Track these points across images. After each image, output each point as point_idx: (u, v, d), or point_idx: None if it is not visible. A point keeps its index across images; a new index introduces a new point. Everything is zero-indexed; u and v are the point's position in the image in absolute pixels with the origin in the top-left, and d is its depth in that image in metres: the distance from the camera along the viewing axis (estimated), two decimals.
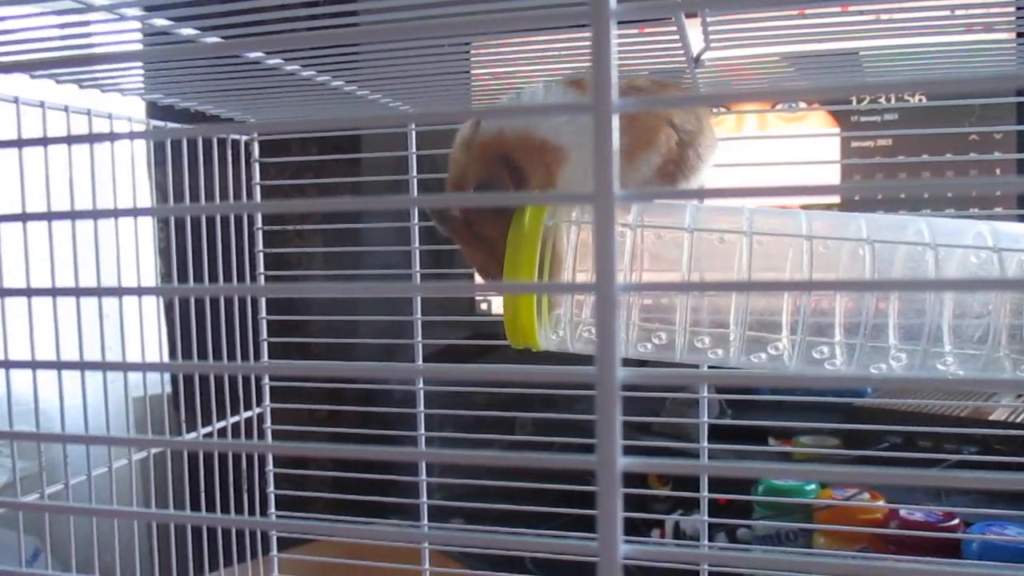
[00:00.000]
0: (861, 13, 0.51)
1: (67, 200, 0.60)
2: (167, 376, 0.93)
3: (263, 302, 0.82)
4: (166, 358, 0.86)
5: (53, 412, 0.62)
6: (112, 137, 0.24)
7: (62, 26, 0.49)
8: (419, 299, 0.77)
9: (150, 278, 0.75)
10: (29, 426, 0.67)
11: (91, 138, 0.41)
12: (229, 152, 0.79)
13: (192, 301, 0.73)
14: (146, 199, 0.84)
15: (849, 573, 0.80)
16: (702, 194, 0.57)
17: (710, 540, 0.80)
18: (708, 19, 0.47)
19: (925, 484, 0.81)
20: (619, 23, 0.20)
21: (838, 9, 0.49)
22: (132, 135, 0.27)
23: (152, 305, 0.71)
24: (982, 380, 0.39)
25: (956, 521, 0.87)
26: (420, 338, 0.76)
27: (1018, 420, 1.05)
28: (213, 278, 0.73)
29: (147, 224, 0.73)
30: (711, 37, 0.51)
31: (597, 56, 0.20)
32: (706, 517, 0.70)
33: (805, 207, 1.28)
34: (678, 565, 0.69)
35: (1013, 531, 0.83)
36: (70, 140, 0.29)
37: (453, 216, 0.57)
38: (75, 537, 0.63)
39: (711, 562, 0.70)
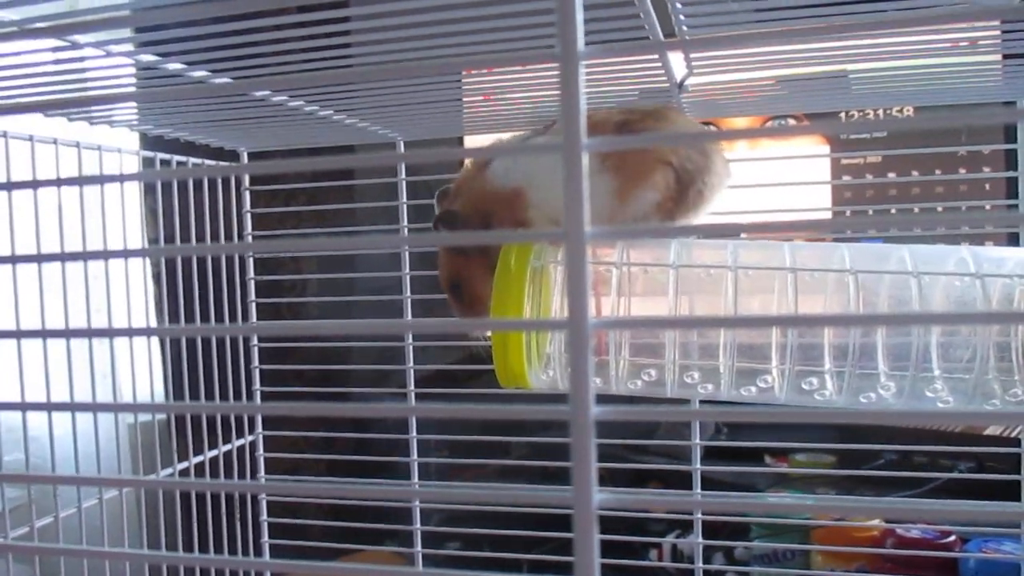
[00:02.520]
0: (846, 38, 0.51)
1: (56, 220, 0.60)
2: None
3: (255, 352, 0.81)
4: (159, 385, 0.86)
5: (44, 439, 0.62)
6: (102, 180, 0.24)
7: (54, 62, 0.50)
8: (411, 343, 0.77)
9: (142, 301, 0.75)
10: (19, 454, 0.66)
11: (81, 180, 0.41)
12: (219, 179, 0.79)
13: (185, 348, 0.73)
14: (137, 221, 0.84)
15: None
16: (677, 231, 0.58)
17: (707, 561, 0.79)
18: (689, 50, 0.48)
19: (919, 513, 0.82)
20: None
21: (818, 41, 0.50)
22: (123, 177, 0.27)
23: (144, 347, 0.71)
24: (972, 414, 0.39)
25: (953, 538, 0.87)
26: (412, 363, 0.76)
27: (1012, 435, 1.05)
28: (207, 301, 0.73)
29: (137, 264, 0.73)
30: (693, 64, 0.51)
31: (566, 96, 0.20)
32: (700, 539, 0.69)
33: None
34: None
35: (1009, 547, 0.83)
36: (60, 183, 0.29)
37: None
38: (65, 567, 0.63)
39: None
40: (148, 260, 0.77)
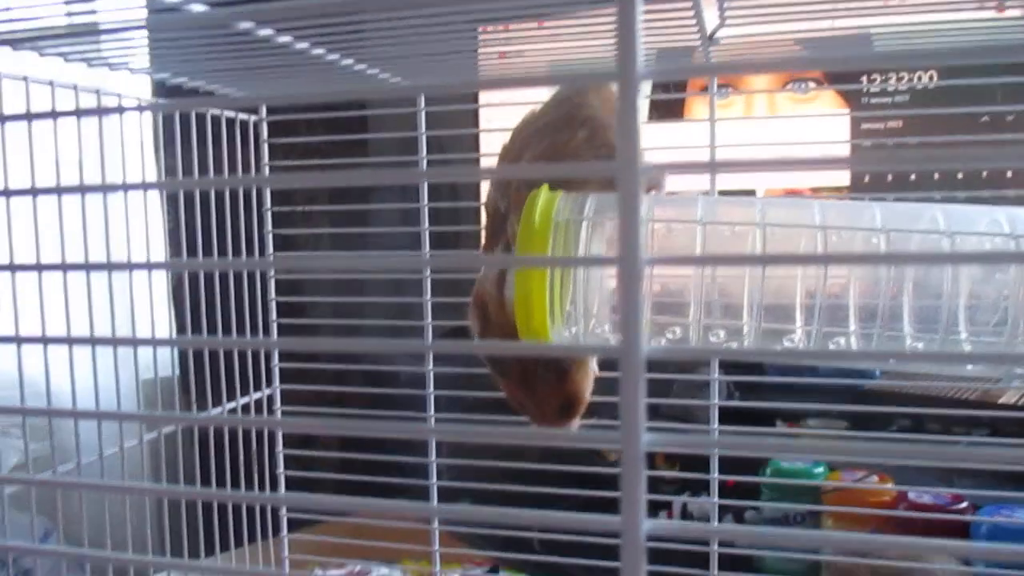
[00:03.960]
0: None
1: (76, 156, 0.59)
2: (176, 358, 0.93)
3: (272, 284, 0.81)
4: (175, 332, 0.86)
5: (64, 394, 0.62)
6: (102, 111, 0.24)
7: (67, 1, 0.49)
8: (428, 281, 0.77)
9: (160, 258, 0.75)
10: (40, 402, 0.67)
11: (80, 112, 0.41)
12: (238, 134, 0.78)
13: (201, 282, 0.73)
14: (151, 159, 0.84)
15: (856, 548, 0.80)
16: (719, 167, 0.57)
17: (718, 522, 0.80)
18: None
19: (929, 460, 0.81)
20: None
21: None
22: (124, 108, 0.27)
23: (162, 288, 0.71)
24: (999, 356, 0.39)
25: (965, 504, 0.87)
26: (430, 319, 0.76)
27: None
28: (224, 236, 0.73)
29: (155, 203, 0.73)
30: (726, 14, 0.50)
31: (623, 23, 0.19)
32: (716, 499, 0.69)
33: (815, 190, 1.28)
34: (693, 547, 0.69)
35: (1022, 514, 0.83)
36: (55, 115, 0.29)
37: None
38: (86, 517, 0.63)
39: (727, 538, 0.70)
40: (163, 194, 0.76)
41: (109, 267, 0.35)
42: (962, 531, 0.85)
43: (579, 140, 0.57)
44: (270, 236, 0.81)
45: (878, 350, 0.49)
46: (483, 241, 0.59)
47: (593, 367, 0.60)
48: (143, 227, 0.69)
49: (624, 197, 0.20)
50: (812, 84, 1.31)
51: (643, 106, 0.55)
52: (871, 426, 1.06)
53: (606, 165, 0.19)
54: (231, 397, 0.76)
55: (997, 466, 0.79)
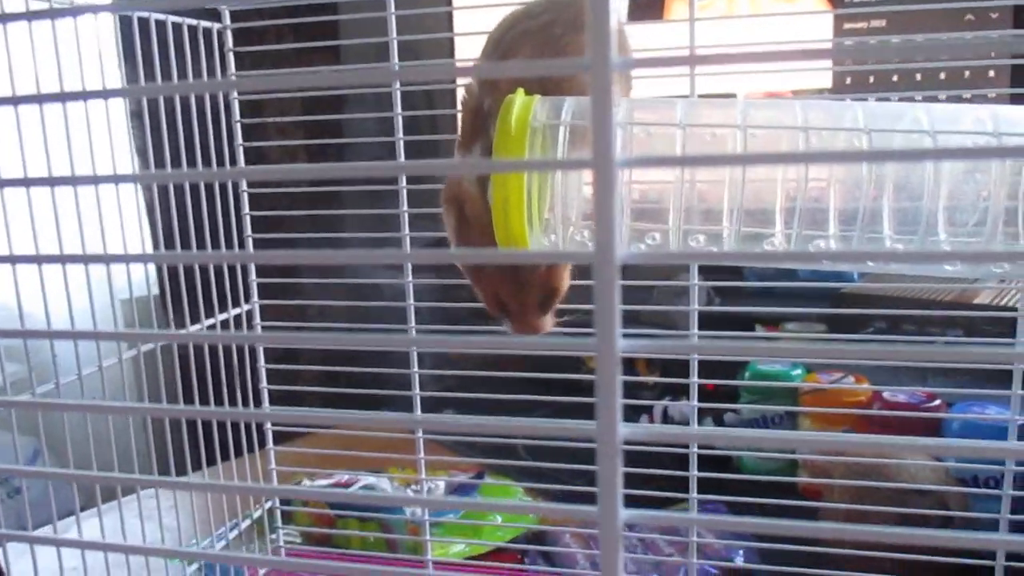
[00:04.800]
0: None
1: (31, 59, 0.57)
2: (153, 276, 0.92)
3: (245, 198, 0.80)
4: (149, 247, 0.85)
5: (38, 317, 0.61)
6: (54, 13, 0.22)
7: None
8: (405, 192, 0.75)
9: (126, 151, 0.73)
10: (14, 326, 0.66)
11: (31, 16, 0.39)
12: (201, 43, 0.75)
13: (172, 201, 0.71)
14: (118, 99, 0.81)
15: (832, 448, 0.81)
16: (697, 61, 0.55)
17: (698, 425, 0.81)
18: None
19: (905, 360, 0.83)
20: None
21: None
22: (79, 10, 0.25)
23: (133, 207, 0.70)
24: (978, 253, 0.39)
25: (938, 402, 0.89)
26: (407, 231, 0.75)
27: (1002, 303, 1.07)
28: (193, 149, 0.71)
29: (120, 118, 0.70)
30: None
31: None
32: (696, 402, 0.71)
33: (796, 93, 1.26)
34: (671, 449, 0.70)
35: (993, 411, 0.85)
36: (3, 19, 0.27)
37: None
38: (71, 437, 0.64)
39: (703, 442, 0.72)
40: (127, 101, 0.74)
41: (74, 181, 0.34)
42: (935, 428, 0.87)
43: (582, 44, 0.55)
44: (241, 150, 0.79)
45: (859, 249, 0.49)
46: (459, 139, 0.58)
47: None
48: (108, 142, 0.67)
49: (597, 94, 0.19)
50: None
51: (622, 5, 0.53)
52: (849, 328, 1.08)
53: (577, 62, 0.18)
54: (209, 314, 0.75)
55: (971, 364, 0.80)
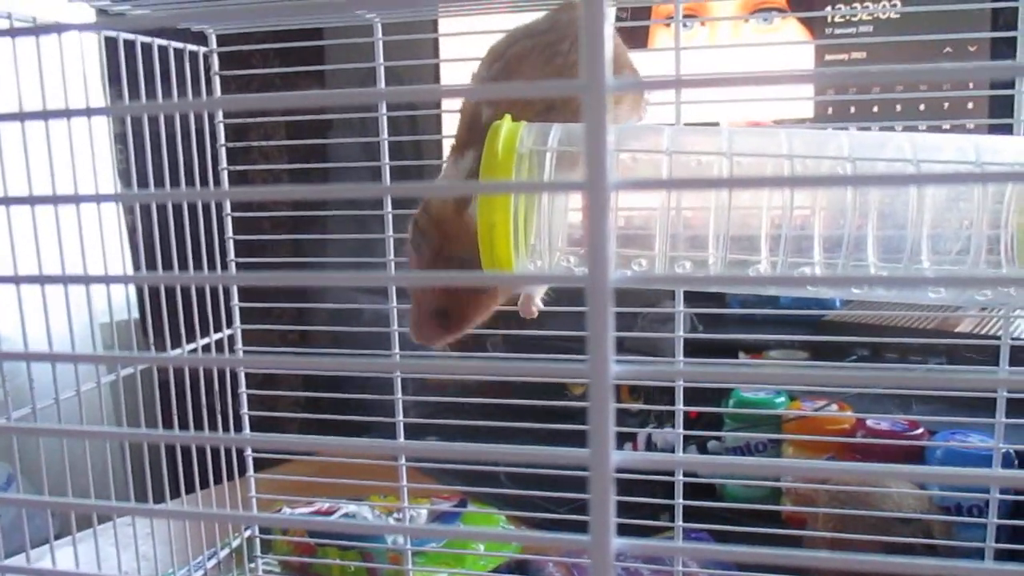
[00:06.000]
0: None
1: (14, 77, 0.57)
2: (133, 300, 0.91)
3: (229, 222, 0.79)
4: (130, 268, 0.84)
5: (15, 339, 0.60)
6: (39, 30, 0.22)
7: None
8: (391, 217, 0.75)
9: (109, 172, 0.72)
10: None
11: (14, 32, 0.39)
12: (187, 67, 0.75)
13: (155, 223, 0.71)
14: (102, 121, 0.80)
15: (816, 476, 0.81)
16: (684, 84, 0.56)
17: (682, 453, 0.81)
18: None
19: (887, 387, 0.83)
20: None
21: None
22: (63, 27, 0.25)
23: (115, 229, 0.69)
24: (960, 279, 0.39)
25: (921, 430, 0.89)
26: (392, 256, 0.74)
27: (984, 331, 1.07)
28: (177, 170, 0.71)
29: (103, 141, 0.70)
30: None
31: None
32: (681, 430, 0.70)
33: (779, 123, 1.27)
34: (657, 476, 0.70)
35: (975, 439, 0.85)
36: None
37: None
38: (46, 462, 0.62)
39: (695, 469, 0.71)
40: (110, 123, 0.73)
41: (55, 200, 0.34)
42: (918, 456, 0.87)
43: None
44: (225, 173, 0.79)
45: (844, 275, 0.49)
46: (453, 144, 0.58)
47: (537, 303, 0.61)
48: (91, 165, 0.66)
49: (591, 117, 0.19)
50: (776, 14, 1.30)
51: (609, 31, 0.53)
52: (832, 356, 1.08)
53: (571, 84, 0.18)
54: (190, 339, 0.74)
55: (952, 392, 0.80)
